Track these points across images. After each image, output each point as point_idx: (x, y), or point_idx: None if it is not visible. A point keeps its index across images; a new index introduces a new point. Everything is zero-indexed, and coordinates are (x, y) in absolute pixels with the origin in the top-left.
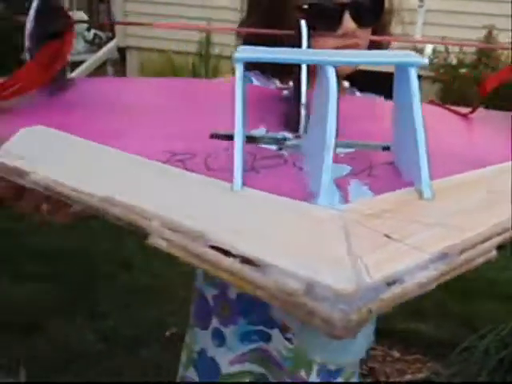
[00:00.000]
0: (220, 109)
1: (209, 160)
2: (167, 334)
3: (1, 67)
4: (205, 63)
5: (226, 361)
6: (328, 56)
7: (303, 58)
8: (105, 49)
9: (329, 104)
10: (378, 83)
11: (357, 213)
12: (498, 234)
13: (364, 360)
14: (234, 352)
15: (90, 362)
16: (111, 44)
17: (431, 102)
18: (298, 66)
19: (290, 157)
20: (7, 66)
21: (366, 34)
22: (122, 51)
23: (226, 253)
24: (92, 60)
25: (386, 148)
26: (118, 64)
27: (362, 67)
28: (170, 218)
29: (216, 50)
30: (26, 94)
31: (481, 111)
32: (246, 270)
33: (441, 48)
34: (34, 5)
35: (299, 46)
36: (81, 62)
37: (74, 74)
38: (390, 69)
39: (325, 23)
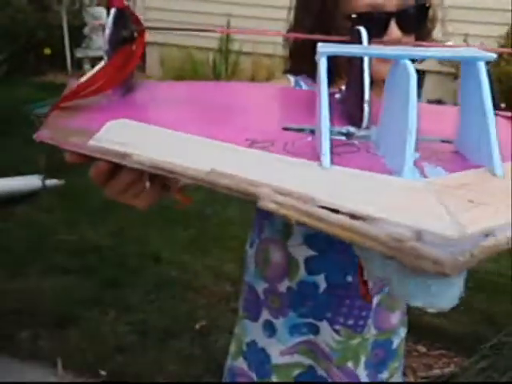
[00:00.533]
0: (278, 107)
1: (287, 147)
2: (197, 326)
3: (23, 63)
4: (225, 59)
5: (277, 351)
6: (404, 51)
7: (382, 52)
8: None
9: (409, 93)
10: None
11: (440, 185)
12: None
13: None
14: (284, 344)
15: (124, 353)
16: None
17: None
18: (353, 70)
19: (360, 145)
20: (29, 61)
21: (409, 41)
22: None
23: (335, 211)
24: None
25: (445, 141)
26: None
27: None
28: (278, 185)
29: (236, 46)
30: (102, 93)
31: None
32: (357, 224)
33: (463, 44)
34: (112, 12)
35: None
36: (102, 57)
37: (96, 69)
38: None
39: (371, 31)
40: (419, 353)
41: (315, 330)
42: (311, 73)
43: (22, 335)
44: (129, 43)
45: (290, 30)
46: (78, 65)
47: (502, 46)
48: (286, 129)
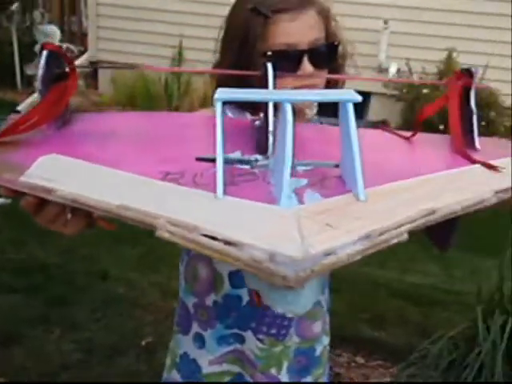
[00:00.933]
0: (201, 137)
1: (196, 178)
2: (143, 343)
3: None
4: (177, 78)
5: (206, 362)
6: (286, 95)
7: (267, 97)
8: (77, 62)
9: (286, 131)
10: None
11: (307, 211)
12: (408, 223)
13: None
14: (212, 354)
15: (69, 371)
16: (83, 58)
17: (382, 127)
18: (266, 102)
19: (260, 173)
20: None
21: (322, 75)
22: (94, 65)
23: (214, 238)
24: None
25: (337, 166)
26: (90, 78)
27: None
28: (172, 217)
29: (188, 66)
30: (38, 128)
31: (421, 134)
32: (228, 249)
33: (405, 68)
34: (44, 53)
35: (266, 84)
36: None
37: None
38: None
39: (286, 66)
40: (357, 364)
41: (241, 340)
42: (236, 104)
43: None
44: (62, 80)
45: (216, 63)
46: (28, 82)
47: (441, 71)
48: (199, 159)
